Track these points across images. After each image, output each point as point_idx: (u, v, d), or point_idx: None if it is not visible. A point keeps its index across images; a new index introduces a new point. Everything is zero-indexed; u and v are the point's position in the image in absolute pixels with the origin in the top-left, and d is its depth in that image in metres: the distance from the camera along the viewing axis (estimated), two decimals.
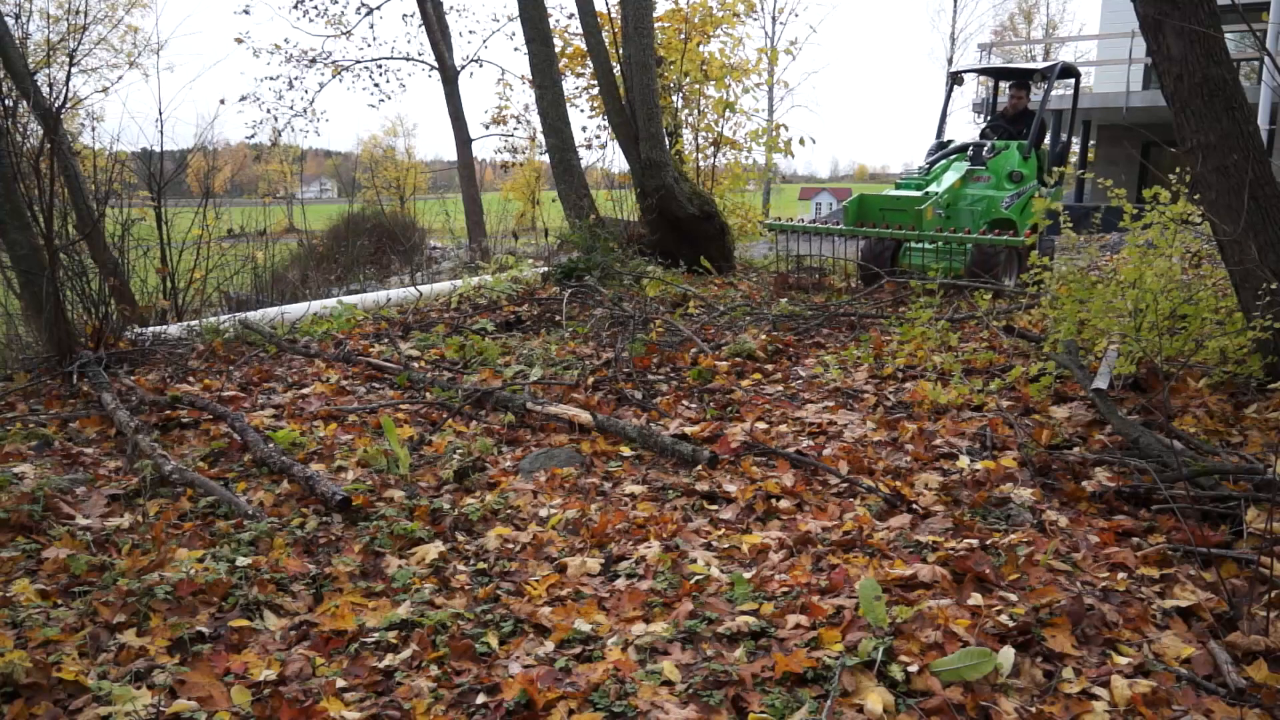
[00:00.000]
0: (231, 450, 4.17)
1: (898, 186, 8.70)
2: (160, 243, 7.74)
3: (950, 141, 9.00)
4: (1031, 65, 9.32)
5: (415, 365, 5.64)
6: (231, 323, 6.67)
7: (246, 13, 20.52)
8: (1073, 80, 9.67)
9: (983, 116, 22.42)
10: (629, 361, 5.42)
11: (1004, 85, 10.77)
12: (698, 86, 13.16)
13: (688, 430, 4.32)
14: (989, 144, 8.47)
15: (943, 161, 8.56)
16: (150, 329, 6.38)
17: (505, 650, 2.56)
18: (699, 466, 3.83)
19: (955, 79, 9.63)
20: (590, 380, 5.15)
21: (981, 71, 10.59)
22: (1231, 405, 4.21)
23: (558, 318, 6.75)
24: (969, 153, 8.52)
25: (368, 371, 5.55)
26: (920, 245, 7.93)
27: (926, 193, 7.81)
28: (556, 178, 10.31)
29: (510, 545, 3.25)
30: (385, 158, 36.13)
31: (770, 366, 5.50)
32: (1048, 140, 9.66)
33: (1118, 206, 4.75)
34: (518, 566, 3.10)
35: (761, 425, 4.41)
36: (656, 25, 11.78)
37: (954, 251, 7.54)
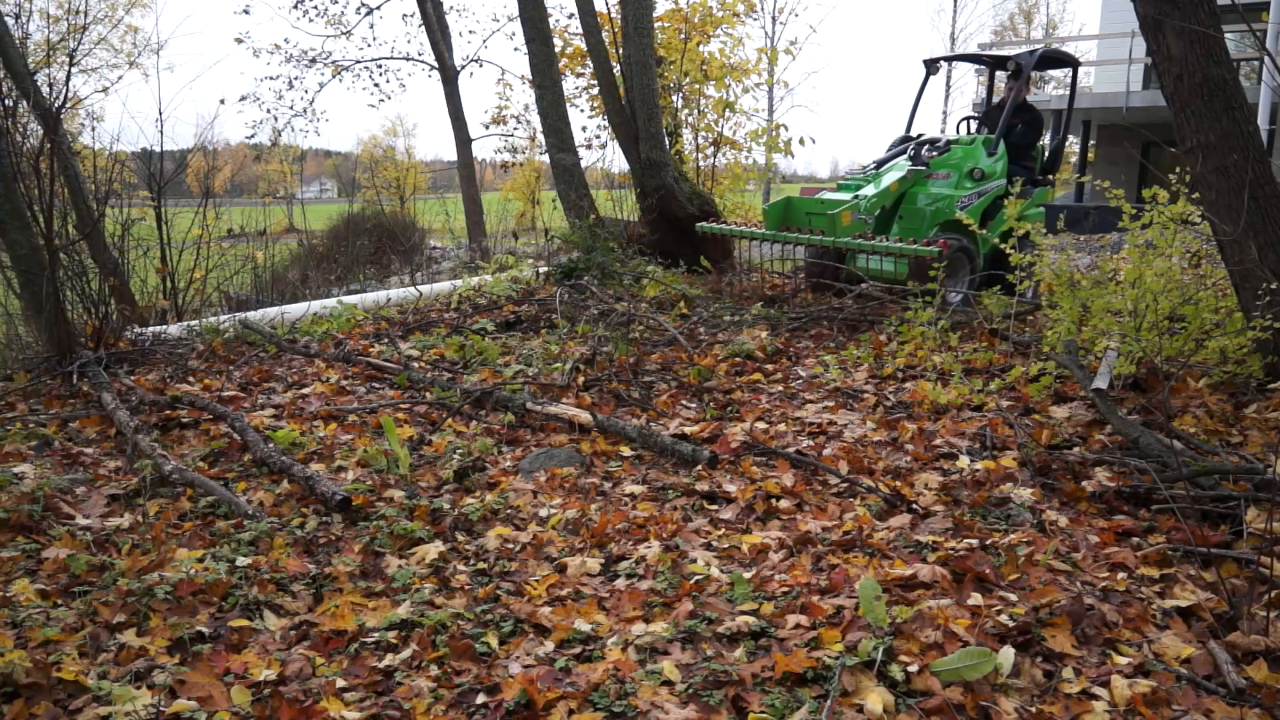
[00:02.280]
0: (231, 450, 4.17)
1: (839, 188, 7.98)
2: (160, 243, 7.75)
3: (920, 135, 8.27)
4: (1011, 52, 8.37)
5: (415, 365, 5.64)
6: (232, 323, 6.68)
7: (246, 13, 20.57)
8: (1066, 70, 8.87)
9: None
10: (619, 361, 5.38)
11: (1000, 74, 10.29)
12: (698, 86, 13.16)
13: (687, 430, 4.32)
14: (943, 140, 7.74)
15: (891, 161, 7.86)
16: (150, 329, 6.38)
17: (505, 650, 2.56)
18: (699, 466, 3.83)
19: (929, 67, 8.79)
20: (580, 380, 5.11)
21: (956, 58, 9.77)
22: (1231, 405, 4.21)
23: (554, 317, 6.73)
24: (910, 151, 7.78)
25: (368, 372, 5.55)
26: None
27: (856, 197, 7.19)
28: (556, 178, 10.31)
29: (510, 545, 3.25)
30: (385, 158, 36.09)
31: (770, 366, 5.50)
32: (1045, 136, 9.09)
33: (1115, 207, 4.76)
34: (518, 566, 3.10)
35: (761, 425, 4.41)
36: (656, 25, 11.78)
37: (894, 257, 6.84)
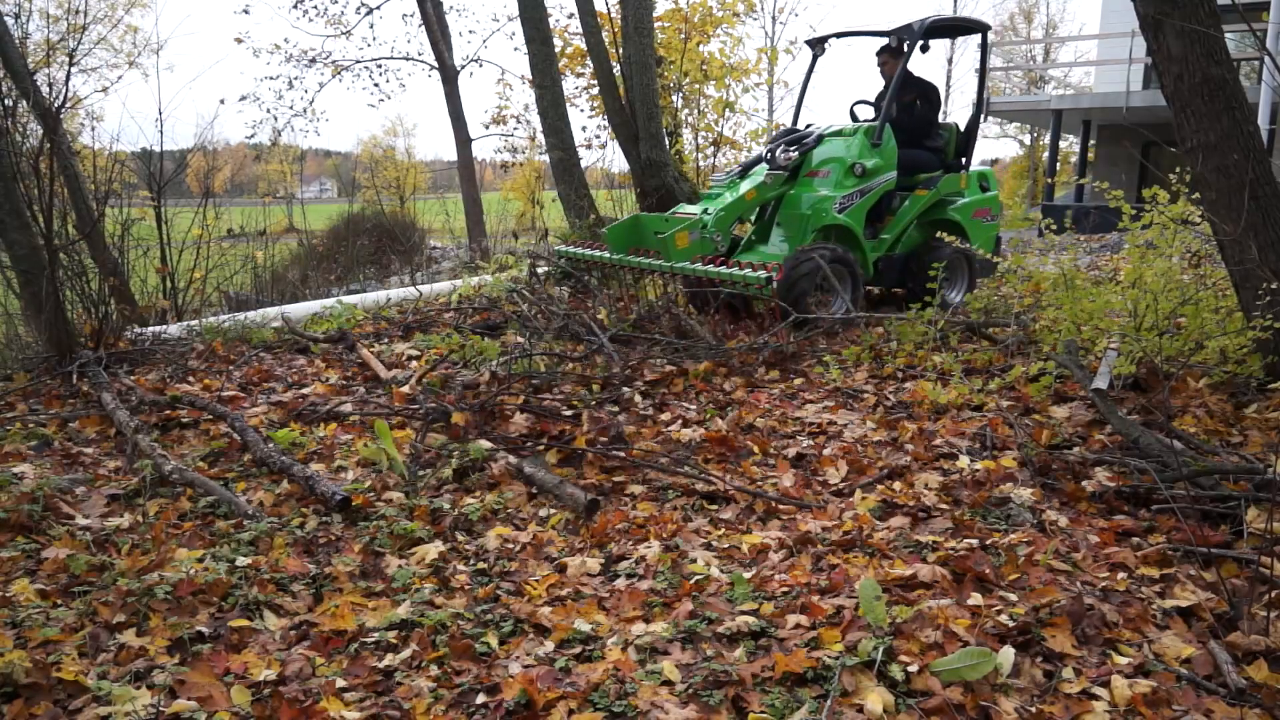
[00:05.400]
0: (231, 450, 4.17)
1: (702, 198, 6.90)
2: (160, 243, 7.77)
3: (809, 127, 7.11)
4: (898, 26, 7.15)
5: (413, 365, 5.65)
6: (231, 322, 6.69)
7: (246, 13, 20.65)
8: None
9: (983, 115, 22.13)
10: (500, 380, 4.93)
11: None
12: (698, 86, 13.19)
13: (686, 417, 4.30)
14: (813, 134, 6.72)
15: (756, 167, 6.81)
16: (150, 329, 6.39)
17: (505, 650, 2.56)
18: (581, 512, 3.47)
19: (815, 47, 7.57)
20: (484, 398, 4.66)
21: (843, 35, 8.35)
22: (1231, 405, 4.21)
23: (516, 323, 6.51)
24: (765, 153, 6.77)
25: (367, 372, 5.55)
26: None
27: (705, 211, 6.31)
28: (556, 178, 10.33)
29: (510, 545, 3.25)
30: (385, 158, 36.16)
31: (766, 368, 5.49)
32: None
33: (1115, 206, 4.76)
34: (518, 566, 3.10)
35: (760, 423, 4.41)
36: (656, 25, 11.80)
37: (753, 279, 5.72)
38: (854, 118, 7.55)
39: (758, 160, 6.91)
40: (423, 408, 4.50)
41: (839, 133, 6.76)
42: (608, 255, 6.58)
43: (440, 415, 4.40)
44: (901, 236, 6.91)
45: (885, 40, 7.04)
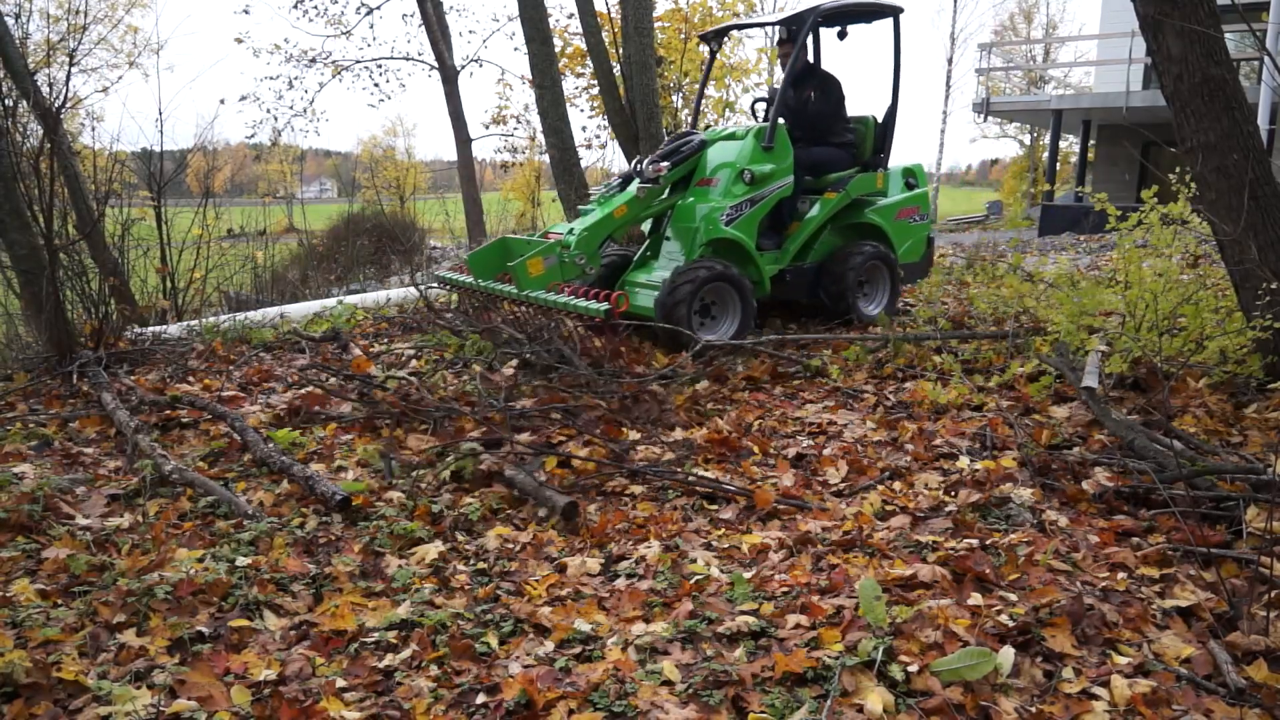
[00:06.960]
0: (231, 450, 4.17)
1: (581, 213, 6.19)
2: (160, 243, 7.77)
3: (708, 129, 6.51)
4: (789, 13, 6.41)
5: (413, 364, 5.66)
6: (231, 322, 6.69)
7: (246, 13, 20.67)
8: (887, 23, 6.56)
9: (983, 116, 22.09)
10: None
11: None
12: (698, 86, 13.20)
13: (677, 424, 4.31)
14: (695, 138, 6.16)
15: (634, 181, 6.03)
16: (150, 329, 6.40)
17: (505, 650, 2.56)
18: (558, 517, 3.43)
19: (710, 42, 6.98)
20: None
21: (740, 27, 7.72)
22: (1231, 405, 4.21)
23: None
24: (634, 165, 6.16)
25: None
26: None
27: (570, 231, 5.69)
28: (556, 178, 10.32)
29: (510, 545, 3.25)
30: (385, 158, 36.16)
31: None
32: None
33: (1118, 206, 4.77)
34: (518, 566, 3.10)
35: (759, 423, 4.40)
36: (656, 25, 11.80)
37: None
38: (755, 116, 7.02)
39: (630, 173, 6.22)
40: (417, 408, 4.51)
41: (731, 135, 6.22)
42: (467, 280, 5.89)
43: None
44: (811, 244, 6.37)
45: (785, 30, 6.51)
